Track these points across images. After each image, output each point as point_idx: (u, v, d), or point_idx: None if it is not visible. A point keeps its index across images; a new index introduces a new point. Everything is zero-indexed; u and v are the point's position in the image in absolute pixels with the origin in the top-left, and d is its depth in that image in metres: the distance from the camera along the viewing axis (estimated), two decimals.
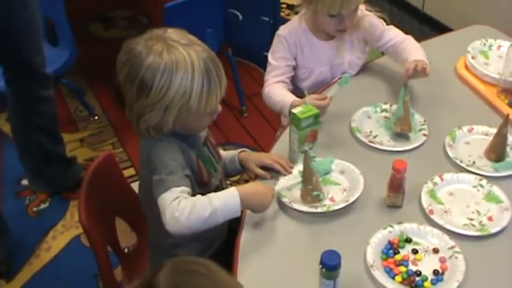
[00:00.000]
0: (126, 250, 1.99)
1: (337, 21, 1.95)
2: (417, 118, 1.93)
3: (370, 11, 2.09)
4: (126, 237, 2.02)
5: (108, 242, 1.85)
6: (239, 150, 1.83)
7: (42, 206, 2.72)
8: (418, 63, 1.91)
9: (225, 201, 1.51)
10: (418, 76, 1.93)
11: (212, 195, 1.53)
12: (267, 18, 3.30)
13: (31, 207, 2.72)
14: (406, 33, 2.14)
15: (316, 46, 2.07)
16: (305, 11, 2.03)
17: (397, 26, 2.16)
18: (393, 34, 2.10)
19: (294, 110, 1.74)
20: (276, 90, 2.02)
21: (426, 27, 3.79)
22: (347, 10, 1.90)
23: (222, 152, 1.83)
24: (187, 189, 1.52)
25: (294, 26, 2.06)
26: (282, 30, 2.07)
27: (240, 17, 3.40)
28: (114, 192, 1.88)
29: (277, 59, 2.07)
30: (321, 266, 1.37)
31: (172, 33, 1.51)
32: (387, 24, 2.12)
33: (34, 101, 2.51)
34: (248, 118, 3.20)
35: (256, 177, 1.77)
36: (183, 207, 1.46)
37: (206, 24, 2.86)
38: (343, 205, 1.64)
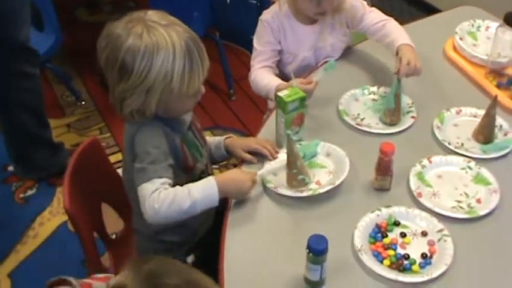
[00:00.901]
0: (113, 236, 1.97)
1: (315, 4, 1.93)
2: (405, 100, 1.91)
3: None
4: (113, 223, 2.00)
5: (95, 228, 1.84)
6: (225, 136, 1.82)
7: (29, 192, 2.70)
8: (410, 63, 1.85)
9: (203, 192, 1.51)
10: (411, 75, 1.88)
11: (191, 186, 1.52)
12: (254, 1, 3.26)
13: (18, 193, 2.70)
14: (393, 15, 2.11)
15: (299, 31, 2.05)
16: None
17: (385, 7, 2.14)
18: (374, 16, 2.07)
19: (280, 93, 1.72)
20: (262, 74, 2.00)
21: (414, 8, 3.76)
22: None
23: (208, 138, 1.81)
24: (169, 180, 1.51)
25: (276, 10, 2.03)
26: (265, 15, 2.05)
27: (228, 0, 3.36)
28: (100, 178, 1.86)
29: (262, 44, 2.05)
30: (307, 250, 1.36)
31: (152, 15, 1.48)
32: (369, 5, 2.10)
33: (18, 76, 2.45)
34: (236, 102, 3.18)
35: (243, 161, 1.75)
36: (163, 199, 1.46)
37: (192, 7, 2.84)
38: (329, 188, 1.62)
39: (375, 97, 1.95)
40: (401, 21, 2.09)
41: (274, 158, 1.72)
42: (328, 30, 2.06)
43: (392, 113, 1.85)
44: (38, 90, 2.57)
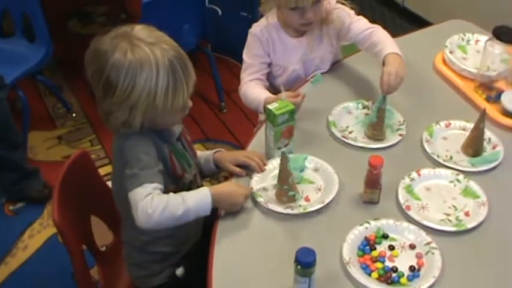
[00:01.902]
0: (103, 249, 1.96)
1: (299, 15, 1.93)
2: (396, 117, 1.92)
3: (342, 3, 2.07)
4: (103, 235, 1.99)
5: (84, 240, 1.83)
6: (214, 150, 1.82)
7: (19, 204, 2.69)
8: (391, 76, 1.84)
9: (197, 201, 1.52)
10: (393, 90, 1.86)
11: (185, 194, 1.53)
12: (245, 14, 3.28)
13: (7, 205, 2.69)
14: (386, 27, 2.11)
15: (288, 44, 2.06)
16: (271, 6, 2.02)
17: (377, 20, 2.15)
18: (362, 24, 2.06)
19: (270, 106, 1.72)
20: (251, 88, 2.01)
21: (406, 22, 3.79)
22: (305, 2, 1.89)
23: (198, 152, 1.81)
24: (160, 185, 1.51)
25: (265, 23, 2.04)
26: (254, 28, 2.06)
27: (220, 12, 3.37)
28: (89, 190, 1.86)
29: (252, 57, 2.06)
30: (296, 263, 1.36)
31: (139, 30, 1.48)
32: (356, 14, 2.10)
33: None
34: (227, 114, 3.18)
35: (232, 175, 1.75)
36: (156, 204, 1.46)
37: (184, 19, 2.85)
38: (318, 206, 1.63)
39: (369, 112, 1.95)
40: (394, 34, 2.10)
41: (262, 170, 1.72)
42: (316, 43, 2.07)
43: (374, 127, 1.85)
44: (4, 113, 2.50)
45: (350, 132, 1.89)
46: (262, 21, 2.06)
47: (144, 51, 1.44)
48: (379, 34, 2.04)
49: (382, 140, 1.85)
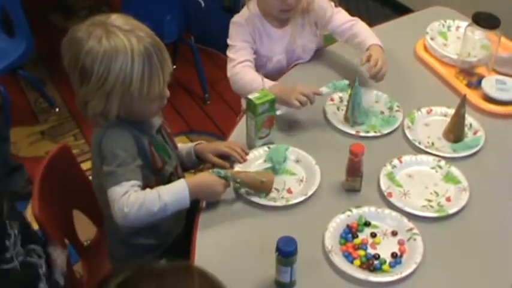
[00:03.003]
0: (86, 243, 1.95)
1: (280, 0, 1.93)
2: (378, 104, 1.93)
3: None
4: (88, 230, 1.98)
5: (66, 235, 1.82)
6: (196, 142, 1.81)
7: None
8: (378, 65, 1.89)
9: (174, 195, 1.52)
10: (376, 78, 1.93)
11: (162, 189, 1.52)
12: (227, 4, 3.26)
13: None
14: (368, 16, 2.12)
15: (272, 34, 2.04)
16: None
17: (360, 9, 2.14)
18: (342, 17, 2.09)
19: (250, 96, 1.72)
20: (250, 72, 1.94)
21: (389, 9, 3.78)
22: None
23: (179, 145, 1.81)
24: (138, 182, 1.51)
25: (247, 14, 2.02)
26: (238, 18, 2.03)
27: (202, 4, 3.35)
28: (71, 184, 1.85)
29: (240, 41, 2.00)
30: (277, 252, 1.35)
31: (115, 19, 1.48)
32: (336, 5, 2.10)
33: None
34: (211, 105, 3.17)
35: (214, 166, 1.74)
36: (132, 202, 1.46)
37: (165, 11, 2.83)
38: (301, 199, 1.63)
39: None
40: (376, 22, 2.10)
41: (244, 160, 1.71)
42: (299, 32, 2.06)
43: (351, 112, 1.85)
44: None
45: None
46: (244, 12, 2.04)
47: (119, 38, 1.43)
48: (360, 27, 2.06)
49: (361, 124, 1.86)
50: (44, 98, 3.22)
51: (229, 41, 2.04)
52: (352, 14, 2.13)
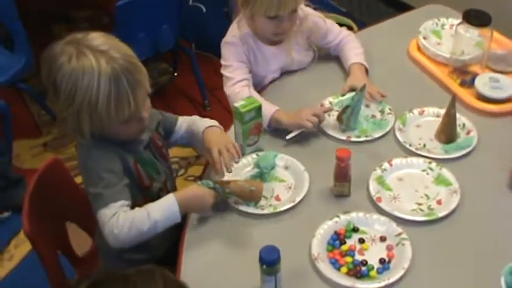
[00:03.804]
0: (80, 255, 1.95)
1: (275, 24, 1.89)
2: (371, 108, 1.91)
3: (308, 6, 2.04)
4: (85, 242, 1.98)
5: (61, 248, 1.82)
6: (207, 125, 1.73)
7: (5, 214, 2.67)
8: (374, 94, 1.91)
9: (164, 212, 1.50)
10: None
11: (151, 207, 1.51)
12: (226, 9, 3.26)
13: None
14: (371, 14, 2.11)
15: (267, 53, 2.01)
16: (241, 16, 1.96)
17: (361, 9, 2.14)
18: (334, 32, 2.10)
19: (236, 104, 1.71)
20: (251, 93, 1.90)
21: (391, 8, 3.75)
22: (285, 11, 1.85)
23: (184, 119, 1.80)
24: (126, 201, 1.50)
25: (240, 33, 1.97)
26: (231, 38, 1.98)
27: (204, 9, 3.36)
28: (64, 197, 1.84)
29: (236, 61, 1.96)
30: (260, 262, 1.34)
31: (94, 38, 1.47)
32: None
33: None
34: (211, 112, 3.16)
35: (208, 163, 1.73)
36: (122, 224, 1.46)
37: (161, 20, 2.83)
38: (289, 206, 1.61)
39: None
40: (373, 20, 2.08)
41: (228, 170, 1.65)
42: (294, 48, 2.04)
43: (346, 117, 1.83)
44: None
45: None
46: (234, 32, 1.99)
47: (89, 58, 1.42)
48: (348, 43, 2.09)
49: (353, 130, 1.84)
50: (46, 111, 3.23)
51: (223, 62, 2.01)
52: (353, 12, 2.13)
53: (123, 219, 1.47)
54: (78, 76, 1.42)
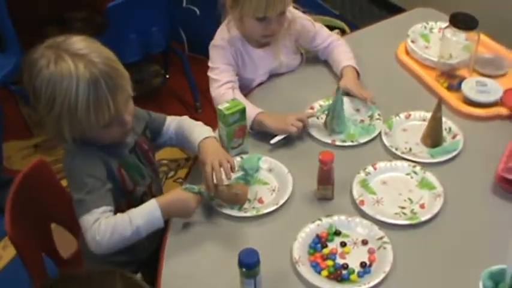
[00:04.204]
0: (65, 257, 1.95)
1: (264, 25, 1.89)
2: (357, 111, 1.91)
3: (297, 8, 2.04)
4: (70, 243, 1.98)
5: (45, 250, 1.82)
6: (202, 137, 1.68)
7: None
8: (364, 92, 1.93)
9: (146, 217, 1.50)
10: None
11: (133, 212, 1.51)
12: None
13: None
14: (363, 17, 2.11)
15: (255, 56, 2.01)
16: (230, 19, 1.96)
17: (354, 11, 2.13)
18: (323, 35, 2.10)
19: (220, 107, 1.71)
20: (236, 95, 1.90)
21: (383, 10, 3.74)
22: (273, 12, 1.85)
23: (172, 121, 1.78)
24: (109, 207, 1.50)
25: (228, 36, 1.97)
26: (219, 41, 1.98)
27: (198, 12, 3.35)
28: (48, 199, 1.84)
29: (223, 64, 1.96)
30: (239, 265, 1.34)
31: (74, 42, 1.45)
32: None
33: None
34: (202, 114, 3.16)
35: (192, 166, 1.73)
36: (103, 231, 1.46)
37: (151, 22, 2.83)
38: (272, 208, 1.61)
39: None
40: (364, 22, 2.08)
41: (211, 190, 1.60)
42: (281, 51, 2.04)
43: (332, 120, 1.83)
44: None
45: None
46: (223, 35, 1.99)
47: (67, 63, 1.41)
48: (337, 46, 2.08)
49: (340, 133, 1.83)
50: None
51: (210, 64, 2.00)
52: (345, 15, 2.12)
53: (105, 225, 1.47)
54: (56, 81, 1.41)
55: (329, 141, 1.81)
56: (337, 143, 1.80)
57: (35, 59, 1.44)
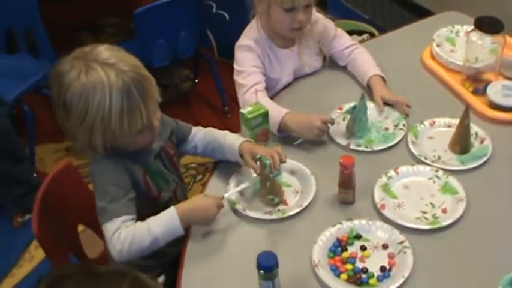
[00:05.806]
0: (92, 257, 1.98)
1: (292, 17, 1.89)
2: (383, 119, 1.91)
3: (318, 11, 2.04)
4: (96, 244, 2.01)
5: (73, 251, 1.86)
6: (242, 140, 1.73)
7: (27, 216, 2.73)
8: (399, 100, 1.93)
9: (165, 226, 1.51)
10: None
11: (152, 221, 1.51)
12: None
13: (16, 218, 2.73)
14: (393, 21, 2.10)
15: (281, 56, 2.02)
16: (259, 16, 1.97)
17: (384, 16, 2.13)
18: (344, 40, 2.11)
19: (243, 110, 1.73)
20: (262, 99, 1.87)
21: (413, 14, 3.72)
22: (300, 2, 1.86)
23: (216, 133, 1.81)
24: (130, 216, 1.51)
25: (255, 36, 1.98)
26: (246, 41, 1.98)
27: (227, 17, 3.38)
28: (76, 201, 1.87)
29: (250, 66, 1.95)
30: (258, 268, 1.35)
31: (101, 51, 1.45)
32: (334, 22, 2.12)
33: None
34: (231, 118, 3.17)
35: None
36: (123, 240, 1.47)
37: (180, 27, 2.86)
38: (297, 210, 1.62)
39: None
40: (393, 25, 2.07)
41: (276, 167, 1.63)
42: (305, 51, 2.06)
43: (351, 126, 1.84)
44: (6, 130, 2.56)
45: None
46: (251, 34, 1.99)
47: (98, 73, 1.41)
48: (360, 54, 2.08)
49: (360, 138, 1.83)
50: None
51: (236, 66, 1.99)
52: (375, 19, 2.12)
53: (125, 235, 1.48)
54: (89, 93, 1.41)
55: (344, 144, 1.81)
56: (352, 147, 1.80)
57: (63, 71, 1.44)
